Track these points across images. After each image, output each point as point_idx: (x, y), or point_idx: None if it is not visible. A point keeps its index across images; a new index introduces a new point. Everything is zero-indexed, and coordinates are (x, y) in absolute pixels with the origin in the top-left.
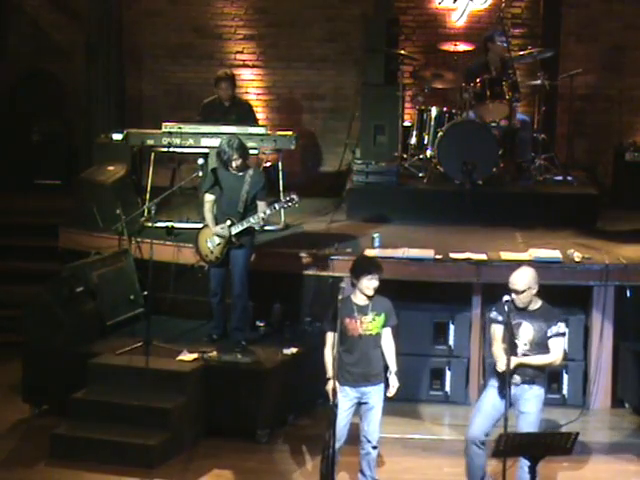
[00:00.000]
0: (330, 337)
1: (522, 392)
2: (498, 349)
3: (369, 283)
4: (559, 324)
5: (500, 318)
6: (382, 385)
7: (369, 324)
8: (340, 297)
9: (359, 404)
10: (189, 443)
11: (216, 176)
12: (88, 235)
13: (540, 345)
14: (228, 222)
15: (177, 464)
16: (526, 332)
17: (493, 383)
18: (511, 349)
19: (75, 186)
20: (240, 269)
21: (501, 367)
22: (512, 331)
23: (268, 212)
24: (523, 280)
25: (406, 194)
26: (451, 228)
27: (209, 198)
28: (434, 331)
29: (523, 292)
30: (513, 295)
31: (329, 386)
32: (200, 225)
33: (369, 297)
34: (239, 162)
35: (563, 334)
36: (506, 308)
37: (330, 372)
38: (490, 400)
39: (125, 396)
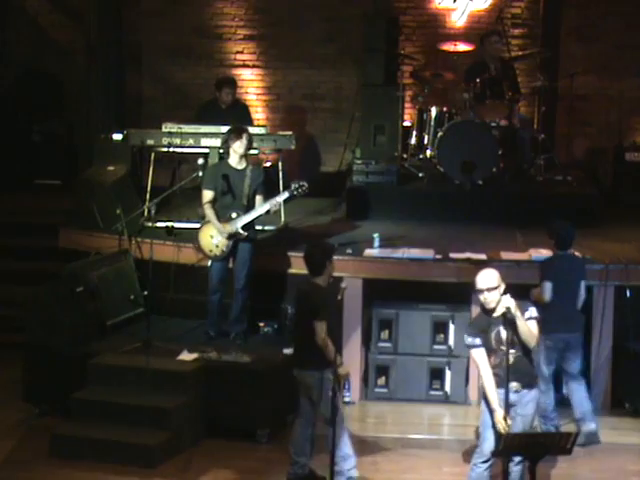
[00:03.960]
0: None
1: (522, 396)
2: (488, 381)
3: None
4: (530, 309)
5: (477, 341)
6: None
7: None
8: (339, 297)
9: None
10: (189, 443)
11: (217, 172)
12: (88, 235)
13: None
14: (234, 215)
15: (177, 464)
16: (506, 334)
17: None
18: (501, 359)
19: (75, 186)
20: (246, 262)
21: (499, 425)
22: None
23: (279, 199)
24: (493, 277)
25: (406, 194)
26: (451, 228)
27: (208, 195)
28: (434, 331)
29: (495, 289)
30: (483, 297)
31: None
32: (199, 224)
33: None
34: (246, 144)
35: (536, 318)
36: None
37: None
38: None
39: (125, 396)
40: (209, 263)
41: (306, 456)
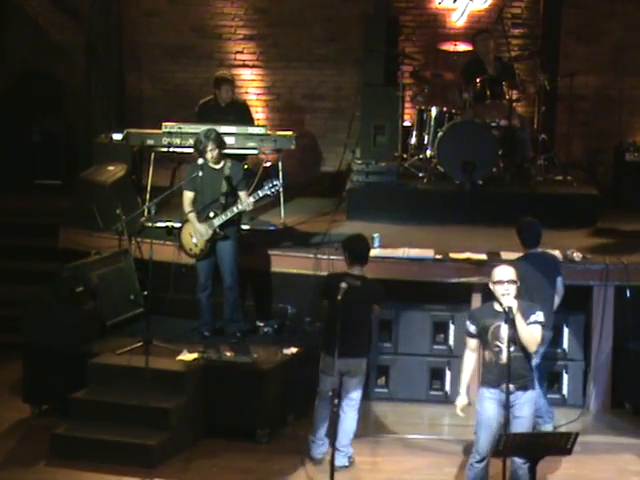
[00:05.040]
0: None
1: (516, 398)
2: (466, 367)
3: None
4: (537, 313)
5: (472, 329)
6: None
7: None
8: (339, 297)
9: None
10: (189, 443)
11: (195, 173)
12: (88, 235)
13: (523, 343)
14: (211, 214)
15: (177, 464)
16: (507, 333)
17: (487, 394)
18: (495, 355)
19: (75, 186)
20: (229, 261)
21: (459, 402)
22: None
23: (251, 200)
24: (514, 272)
25: (406, 194)
26: (451, 228)
27: (188, 195)
28: (434, 331)
29: (515, 283)
30: (503, 289)
31: None
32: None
33: None
34: (215, 152)
35: (541, 323)
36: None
37: None
38: (489, 413)
39: (125, 396)
40: (194, 261)
41: (314, 435)
